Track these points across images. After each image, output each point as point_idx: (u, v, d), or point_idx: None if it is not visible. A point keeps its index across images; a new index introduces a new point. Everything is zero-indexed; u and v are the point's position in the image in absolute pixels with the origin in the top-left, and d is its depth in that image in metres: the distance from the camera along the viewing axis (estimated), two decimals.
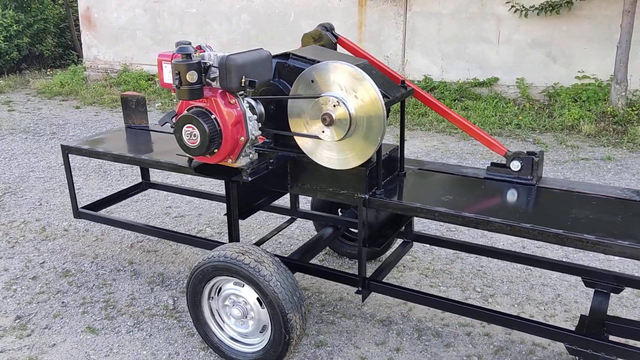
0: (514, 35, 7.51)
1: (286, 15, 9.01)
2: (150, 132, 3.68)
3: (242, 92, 2.44)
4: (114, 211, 4.50)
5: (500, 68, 7.67)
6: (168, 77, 2.41)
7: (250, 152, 2.55)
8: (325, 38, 3.02)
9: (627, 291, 3.16)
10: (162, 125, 2.57)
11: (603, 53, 7.05)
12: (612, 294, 2.62)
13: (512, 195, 2.58)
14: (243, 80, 2.29)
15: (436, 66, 8.02)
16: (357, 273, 2.72)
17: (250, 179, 2.50)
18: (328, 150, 2.49)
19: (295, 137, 2.59)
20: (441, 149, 5.91)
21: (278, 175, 2.73)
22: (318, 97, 2.43)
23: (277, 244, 3.96)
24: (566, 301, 3.18)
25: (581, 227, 2.22)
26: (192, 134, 2.38)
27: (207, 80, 2.38)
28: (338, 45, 3.08)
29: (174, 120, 2.45)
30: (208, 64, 2.34)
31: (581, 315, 2.56)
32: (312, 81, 2.46)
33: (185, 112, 2.41)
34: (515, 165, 2.67)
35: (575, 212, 2.35)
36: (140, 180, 4.10)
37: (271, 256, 2.62)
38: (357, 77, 2.35)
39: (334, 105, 2.40)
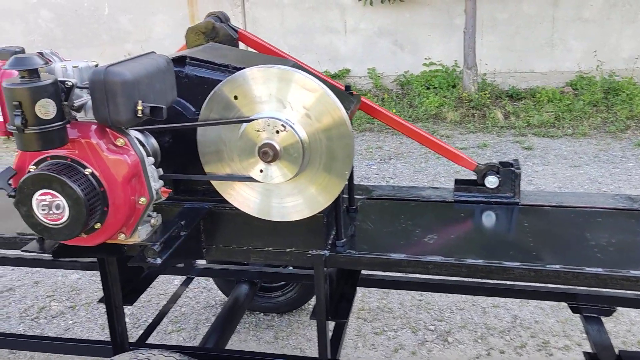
0: (360, 24, 7.22)
1: (99, 10, 7.58)
2: None
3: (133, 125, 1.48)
4: None
5: (350, 59, 7.33)
6: None
7: (151, 217, 1.61)
8: (222, 32, 2.15)
9: None
10: None
11: (445, 39, 7.10)
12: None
13: (502, 223, 2.03)
14: (140, 107, 1.35)
15: None
16: (316, 355, 1.96)
17: (160, 260, 1.56)
18: (289, 196, 1.67)
19: (215, 185, 1.72)
20: None
21: (188, 240, 1.82)
22: (250, 120, 1.60)
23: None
24: (527, 323, 2.79)
25: (614, 258, 1.75)
26: (52, 206, 1.36)
27: (70, 110, 1.37)
28: (240, 42, 2.24)
29: (11, 183, 1.39)
30: (69, 83, 1.33)
31: (584, 353, 2.14)
32: (235, 97, 1.62)
33: (33, 168, 1.38)
34: (492, 182, 2.13)
35: (590, 237, 1.88)
36: None
37: None
38: (309, 87, 1.58)
39: (277, 132, 1.59)
